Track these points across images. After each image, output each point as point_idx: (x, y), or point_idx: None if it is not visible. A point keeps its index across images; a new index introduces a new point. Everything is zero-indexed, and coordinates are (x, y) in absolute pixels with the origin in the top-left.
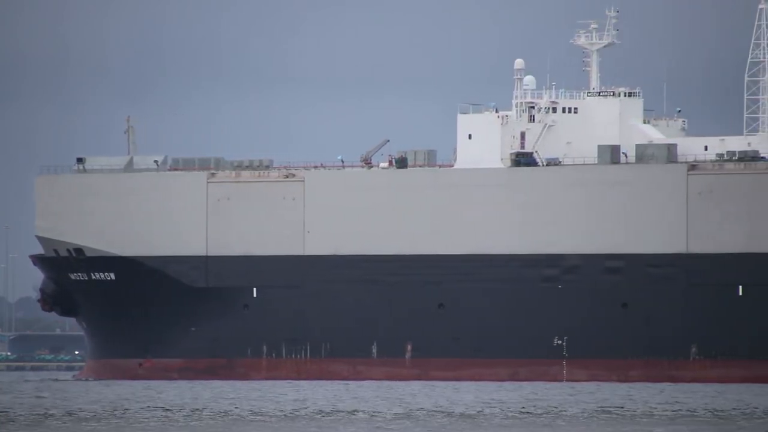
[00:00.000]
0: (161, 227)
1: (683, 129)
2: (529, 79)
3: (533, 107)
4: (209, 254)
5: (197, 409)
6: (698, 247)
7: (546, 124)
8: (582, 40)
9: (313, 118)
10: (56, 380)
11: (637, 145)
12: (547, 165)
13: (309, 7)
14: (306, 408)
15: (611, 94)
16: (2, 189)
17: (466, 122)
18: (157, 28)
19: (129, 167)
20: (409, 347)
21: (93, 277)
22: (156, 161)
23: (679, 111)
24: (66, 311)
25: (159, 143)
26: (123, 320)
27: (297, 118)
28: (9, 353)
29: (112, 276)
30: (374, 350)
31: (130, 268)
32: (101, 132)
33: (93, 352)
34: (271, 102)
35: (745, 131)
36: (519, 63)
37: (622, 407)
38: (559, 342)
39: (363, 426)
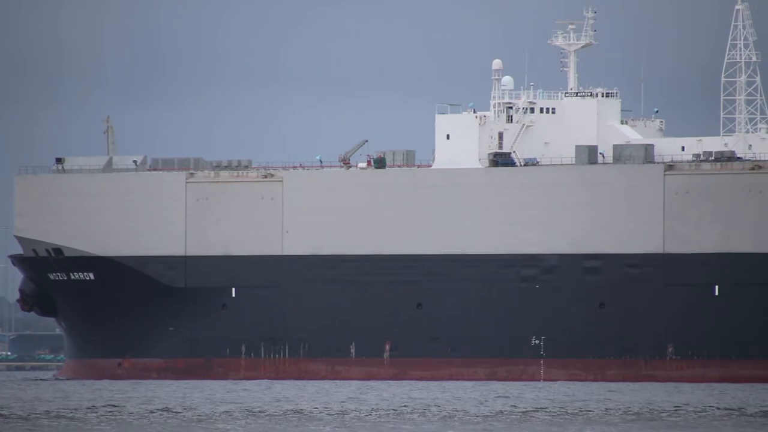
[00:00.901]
0: (140, 227)
1: (661, 129)
2: (507, 80)
3: (511, 108)
4: (188, 254)
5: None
6: (675, 247)
7: (524, 125)
8: (560, 41)
9: (292, 119)
10: (36, 380)
11: (614, 145)
12: (524, 165)
13: (288, 9)
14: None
15: (589, 94)
16: (2, 189)
17: (444, 123)
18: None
19: (108, 167)
20: (387, 347)
21: (72, 277)
22: (135, 161)
23: (657, 112)
24: (45, 311)
25: (142, 143)
26: (102, 320)
27: (276, 118)
28: (9, 353)
29: (91, 276)
30: (353, 350)
31: (109, 268)
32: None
33: (72, 352)
34: (251, 103)
35: (721, 132)
36: (497, 63)
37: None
38: (537, 342)
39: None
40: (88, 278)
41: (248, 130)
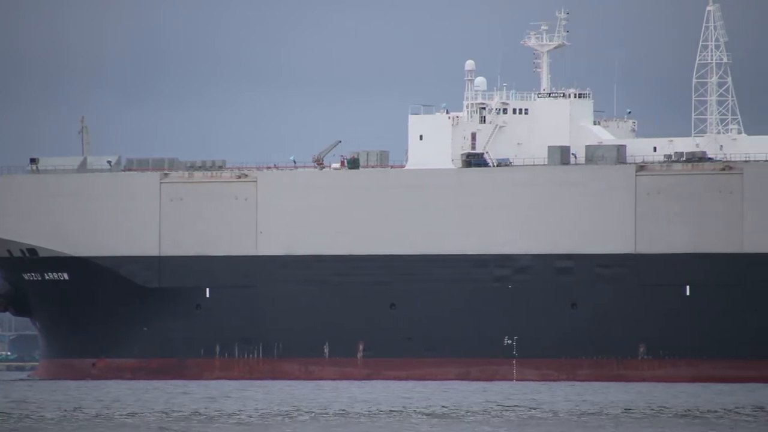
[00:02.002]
0: (114, 228)
1: (633, 130)
2: (479, 81)
3: (484, 108)
4: (162, 254)
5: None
6: (646, 247)
7: (497, 125)
8: (532, 42)
9: (265, 119)
10: (9, 381)
11: (586, 146)
12: (497, 166)
13: (288, 9)
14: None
15: (561, 95)
16: None
17: (417, 123)
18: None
19: (82, 168)
20: (361, 347)
21: (47, 278)
22: (109, 162)
23: (630, 112)
24: (20, 311)
25: (142, 143)
26: (76, 320)
27: (276, 118)
28: (9, 353)
29: (66, 276)
30: (326, 350)
31: (83, 268)
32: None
33: (47, 352)
34: (251, 103)
35: (693, 132)
36: (470, 64)
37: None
38: (510, 342)
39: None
40: (62, 278)
41: (219, 130)
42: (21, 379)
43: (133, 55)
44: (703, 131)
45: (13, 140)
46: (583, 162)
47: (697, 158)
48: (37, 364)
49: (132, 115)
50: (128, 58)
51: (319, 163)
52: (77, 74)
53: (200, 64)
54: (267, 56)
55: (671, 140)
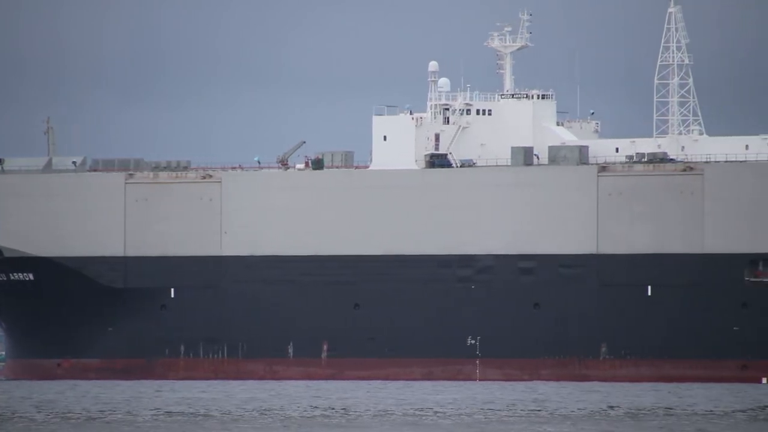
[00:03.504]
0: (79, 228)
1: (596, 131)
2: (443, 82)
3: (447, 109)
4: (127, 255)
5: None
6: (608, 247)
7: (460, 126)
8: (496, 43)
9: (230, 119)
10: None
11: (549, 146)
12: (461, 166)
13: (288, 9)
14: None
15: (524, 96)
16: None
17: (381, 124)
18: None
19: (48, 168)
20: (325, 347)
21: (12, 278)
22: (74, 162)
23: (593, 113)
24: None
25: (142, 143)
26: (41, 320)
27: (276, 118)
28: (4, 353)
29: (31, 276)
30: (290, 350)
31: (48, 268)
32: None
33: (12, 352)
34: (251, 103)
35: (654, 133)
36: (433, 65)
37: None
38: (473, 342)
39: None
40: (27, 279)
41: (184, 130)
42: None
43: (133, 55)
44: (664, 132)
45: (13, 140)
46: (546, 163)
47: (659, 159)
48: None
49: (132, 115)
50: (128, 58)
51: (284, 163)
52: (77, 74)
53: (200, 64)
54: (267, 56)
55: (633, 141)
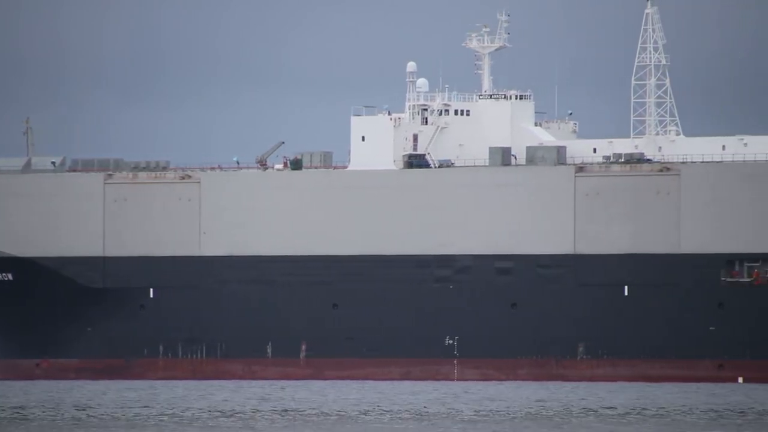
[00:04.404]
0: (58, 228)
1: (574, 131)
2: (421, 82)
3: (426, 110)
4: (106, 255)
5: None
6: (585, 247)
7: (438, 127)
8: (474, 44)
9: (265, 119)
10: None
11: (527, 147)
12: (439, 167)
13: (288, 9)
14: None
15: (503, 96)
16: None
17: (359, 124)
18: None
19: (27, 168)
20: (303, 347)
21: None
22: (53, 162)
23: (571, 114)
24: None
25: (142, 143)
26: (20, 320)
27: (276, 118)
28: None
29: (10, 276)
30: (269, 350)
31: (27, 268)
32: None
33: None
34: (251, 103)
35: (632, 134)
36: (411, 66)
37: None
38: (451, 342)
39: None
40: (6, 279)
41: (163, 131)
42: None
43: (133, 55)
44: (642, 132)
45: (14, 140)
46: (524, 163)
47: (636, 159)
48: None
49: (132, 115)
50: (128, 58)
51: (262, 164)
52: (77, 74)
53: (200, 64)
54: (267, 56)
55: (611, 141)
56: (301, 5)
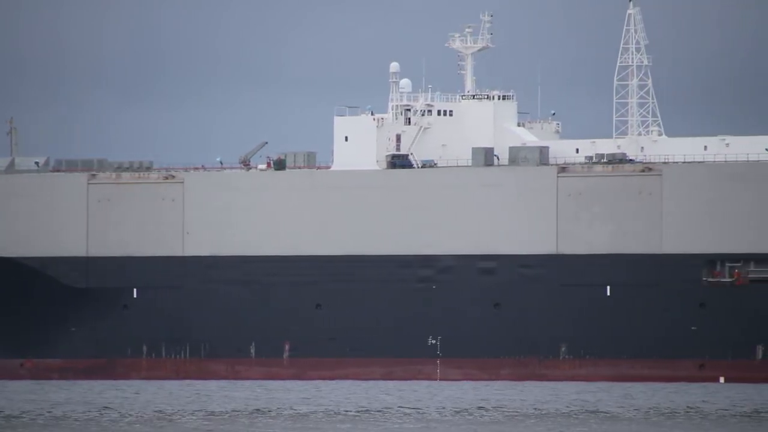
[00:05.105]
0: (42, 228)
1: (557, 131)
2: (404, 83)
3: (409, 110)
4: (90, 255)
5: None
6: (568, 248)
7: (421, 127)
8: (457, 44)
9: (265, 119)
10: None
11: (510, 147)
12: (422, 167)
13: (288, 9)
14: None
15: (485, 97)
16: None
17: (342, 125)
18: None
19: (10, 168)
20: (286, 347)
21: None
22: (36, 162)
23: (554, 114)
24: None
25: (142, 143)
26: (4, 320)
27: (276, 118)
28: None
29: None
30: (252, 350)
31: (11, 268)
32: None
33: None
34: (251, 103)
35: (614, 134)
36: (394, 66)
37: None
38: (433, 342)
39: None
40: None
41: (147, 131)
42: None
43: (133, 55)
44: (624, 133)
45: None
46: (507, 163)
47: (618, 160)
48: None
49: (132, 115)
50: (128, 58)
51: (246, 164)
52: (77, 74)
53: (200, 64)
54: (267, 56)
55: (593, 142)
56: (294, 6)
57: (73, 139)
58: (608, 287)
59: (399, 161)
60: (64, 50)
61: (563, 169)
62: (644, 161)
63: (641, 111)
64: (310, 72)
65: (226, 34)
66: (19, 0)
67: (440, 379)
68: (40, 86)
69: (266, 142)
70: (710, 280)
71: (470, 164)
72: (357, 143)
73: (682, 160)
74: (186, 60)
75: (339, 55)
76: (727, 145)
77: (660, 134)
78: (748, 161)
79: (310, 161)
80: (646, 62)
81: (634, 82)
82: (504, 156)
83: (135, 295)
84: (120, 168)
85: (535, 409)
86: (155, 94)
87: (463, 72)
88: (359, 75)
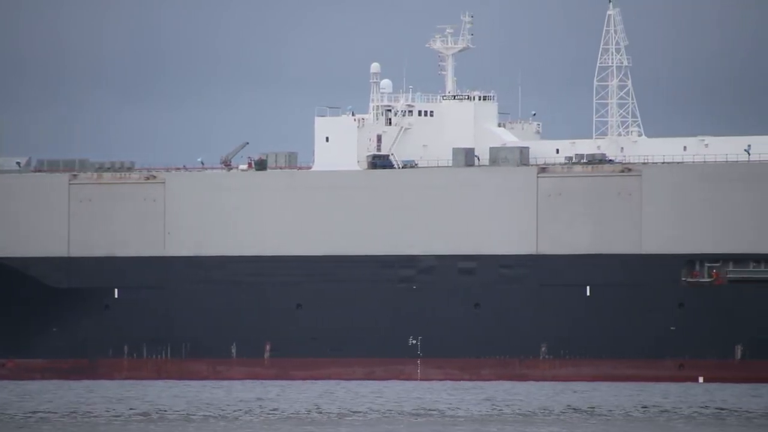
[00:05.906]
0: (23, 228)
1: (538, 132)
2: (385, 83)
3: (390, 110)
4: (71, 255)
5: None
6: (548, 248)
7: (402, 127)
8: (438, 45)
9: (265, 119)
10: None
11: (490, 148)
12: (402, 167)
13: (288, 9)
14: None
15: (466, 97)
16: None
17: (323, 125)
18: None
19: None
20: (268, 347)
21: None
22: (18, 162)
23: (534, 114)
24: None
25: (142, 143)
26: None
27: (276, 118)
28: None
29: None
30: (233, 350)
31: None
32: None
33: None
34: (251, 103)
35: (594, 135)
36: (375, 67)
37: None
38: (414, 342)
39: None
40: None
41: (129, 131)
42: None
43: (133, 55)
44: (604, 133)
45: (14, 140)
46: (487, 164)
47: (597, 160)
48: None
49: (132, 115)
50: (128, 58)
51: (227, 164)
52: (77, 74)
53: (200, 64)
54: (267, 56)
55: (573, 142)
56: (288, 7)
57: (73, 139)
58: (588, 287)
59: (380, 162)
60: (64, 50)
61: (543, 169)
62: (624, 162)
63: (621, 111)
64: (291, 72)
65: (228, 34)
66: (19, 0)
67: (421, 379)
68: (40, 86)
69: (247, 143)
70: (689, 280)
71: (451, 165)
72: (338, 144)
73: (662, 161)
74: (188, 60)
75: (320, 55)
76: (707, 145)
77: (640, 135)
78: (727, 162)
79: (291, 162)
80: (626, 63)
81: (614, 82)
82: (484, 156)
83: (116, 296)
84: (101, 168)
85: (493, 407)
86: (155, 94)
87: (443, 73)
88: (340, 75)
